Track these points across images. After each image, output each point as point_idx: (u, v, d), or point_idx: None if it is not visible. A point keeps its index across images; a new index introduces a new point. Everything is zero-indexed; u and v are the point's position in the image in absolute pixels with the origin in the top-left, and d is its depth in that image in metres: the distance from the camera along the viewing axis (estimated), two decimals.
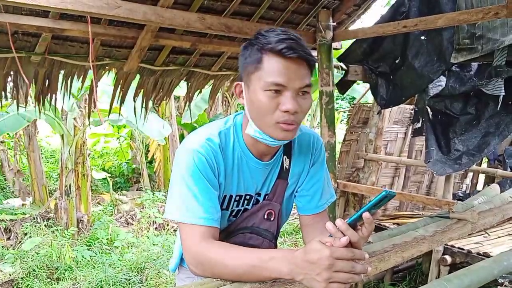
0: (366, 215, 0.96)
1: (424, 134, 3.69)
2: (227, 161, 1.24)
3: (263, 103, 1.11)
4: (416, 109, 3.74)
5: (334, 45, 3.44)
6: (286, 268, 0.96)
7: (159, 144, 8.64)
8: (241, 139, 1.26)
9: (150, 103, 3.44)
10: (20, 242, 5.28)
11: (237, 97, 1.22)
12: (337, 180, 3.88)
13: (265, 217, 1.35)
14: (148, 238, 5.87)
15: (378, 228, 3.94)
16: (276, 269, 0.97)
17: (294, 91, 1.10)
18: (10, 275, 4.58)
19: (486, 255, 3.54)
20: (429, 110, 3.62)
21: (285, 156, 1.33)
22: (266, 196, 1.34)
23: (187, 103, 3.78)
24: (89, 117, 3.63)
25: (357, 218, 0.97)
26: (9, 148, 9.15)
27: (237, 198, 1.30)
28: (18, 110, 3.23)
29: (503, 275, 2.89)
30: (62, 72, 2.90)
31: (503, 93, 3.13)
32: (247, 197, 1.32)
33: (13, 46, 2.38)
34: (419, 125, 3.74)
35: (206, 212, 1.14)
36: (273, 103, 1.10)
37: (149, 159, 8.77)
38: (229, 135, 1.25)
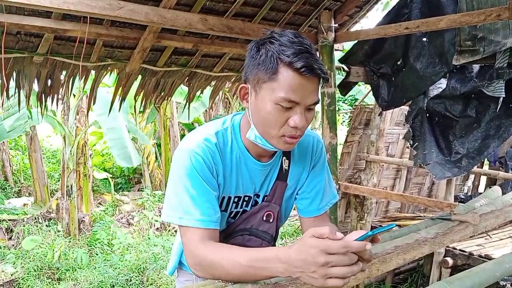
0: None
1: (411, 139, 3.68)
2: (225, 161, 1.23)
3: (272, 115, 1.09)
4: (410, 109, 3.72)
5: (335, 46, 3.44)
6: (281, 268, 0.95)
7: (154, 144, 8.66)
8: (239, 139, 1.25)
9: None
10: (21, 242, 5.29)
11: (240, 99, 1.19)
12: (339, 182, 3.88)
13: (264, 218, 1.33)
14: (149, 239, 5.87)
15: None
16: (272, 269, 0.96)
17: (305, 107, 1.10)
18: (12, 275, 4.59)
19: (488, 257, 3.54)
20: (426, 112, 3.61)
21: (284, 157, 1.32)
22: (265, 198, 1.34)
23: (188, 104, 3.79)
24: (87, 116, 3.63)
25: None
26: (11, 149, 9.17)
27: (236, 199, 1.29)
28: (19, 110, 3.24)
29: (505, 277, 2.88)
30: (64, 72, 2.91)
31: (504, 95, 3.13)
32: (246, 198, 1.31)
33: (3, 46, 2.36)
34: (408, 126, 3.72)
35: (204, 214, 1.13)
36: (282, 117, 1.09)
37: (148, 159, 8.77)
38: (226, 135, 1.24)
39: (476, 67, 3.41)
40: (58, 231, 5.60)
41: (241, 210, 1.33)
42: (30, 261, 4.77)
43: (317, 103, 1.12)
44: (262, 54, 1.09)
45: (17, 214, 6.01)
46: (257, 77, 1.11)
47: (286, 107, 1.08)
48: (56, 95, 3.01)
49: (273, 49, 1.07)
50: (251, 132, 1.18)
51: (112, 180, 8.14)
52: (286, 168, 1.33)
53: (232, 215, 1.32)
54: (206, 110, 8.71)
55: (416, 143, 3.65)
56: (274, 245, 1.40)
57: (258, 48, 1.12)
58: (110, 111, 3.40)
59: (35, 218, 5.85)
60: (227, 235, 1.32)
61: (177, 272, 1.53)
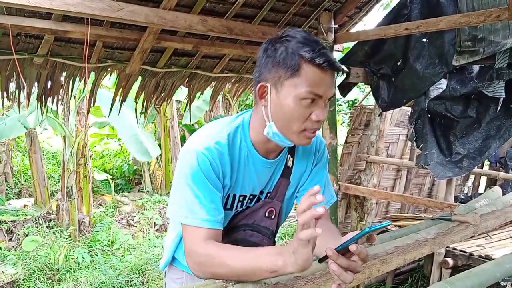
0: (353, 247, 0.93)
1: (415, 140, 3.68)
2: (234, 162, 1.23)
3: (296, 111, 1.11)
4: (412, 111, 3.72)
5: (335, 47, 3.45)
6: (280, 261, 0.97)
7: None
8: (248, 138, 1.25)
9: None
10: (21, 243, 5.29)
11: (257, 98, 1.19)
12: (339, 182, 3.88)
13: (266, 215, 1.35)
14: (149, 239, 5.87)
15: (381, 231, 3.94)
16: (272, 262, 0.99)
17: (326, 100, 1.13)
18: (12, 276, 4.59)
19: (488, 258, 3.54)
20: (428, 112, 3.61)
21: (289, 155, 1.34)
22: (268, 194, 1.35)
23: (188, 105, 3.80)
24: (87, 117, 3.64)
25: (347, 245, 0.94)
26: (11, 150, 9.16)
27: (241, 198, 1.31)
28: (19, 111, 3.25)
29: (505, 278, 2.88)
30: (64, 74, 2.91)
31: (504, 96, 3.13)
32: (251, 197, 1.33)
33: (13, 48, 2.38)
34: (411, 127, 3.73)
35: (209, 214, 1.14)
36: (306, 112, 1.12)
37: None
38: (236, 135, 1.24)
39: (476, 68, 3.41)
40: (58, 232, 5.60)
41: (245, 208, 1.34)
42: (31, 262, 4.77)
43: (334, 96, 1.15)
44: (282, 52, 1.11)
45: (17, 215, 6.00)
46: (277, 75, 1.12)
47: (309, 102, 1.11)
48: (56, 96, 3.01)
49: (292, 46, 1.10)
50: (269, 129, 1.17)
51: (112, 181, 8.14)
52: (290, 165, 1.34)
53: (237, 213, 1.34)
54: (206, 111, 8.71)
55: (421, 144, 3.66)
56: (274, 241, 1.42)
57: (275, 47, 1.13)
58: (110, 112, 3.41)
59: (35, 219, 5.85)
60: (230, 229, 1.33)
61: (168, 268, 1.53)
